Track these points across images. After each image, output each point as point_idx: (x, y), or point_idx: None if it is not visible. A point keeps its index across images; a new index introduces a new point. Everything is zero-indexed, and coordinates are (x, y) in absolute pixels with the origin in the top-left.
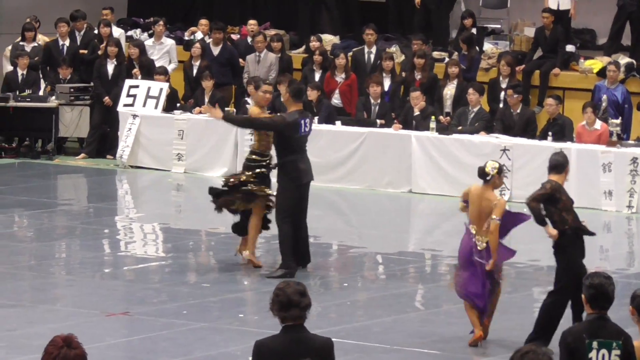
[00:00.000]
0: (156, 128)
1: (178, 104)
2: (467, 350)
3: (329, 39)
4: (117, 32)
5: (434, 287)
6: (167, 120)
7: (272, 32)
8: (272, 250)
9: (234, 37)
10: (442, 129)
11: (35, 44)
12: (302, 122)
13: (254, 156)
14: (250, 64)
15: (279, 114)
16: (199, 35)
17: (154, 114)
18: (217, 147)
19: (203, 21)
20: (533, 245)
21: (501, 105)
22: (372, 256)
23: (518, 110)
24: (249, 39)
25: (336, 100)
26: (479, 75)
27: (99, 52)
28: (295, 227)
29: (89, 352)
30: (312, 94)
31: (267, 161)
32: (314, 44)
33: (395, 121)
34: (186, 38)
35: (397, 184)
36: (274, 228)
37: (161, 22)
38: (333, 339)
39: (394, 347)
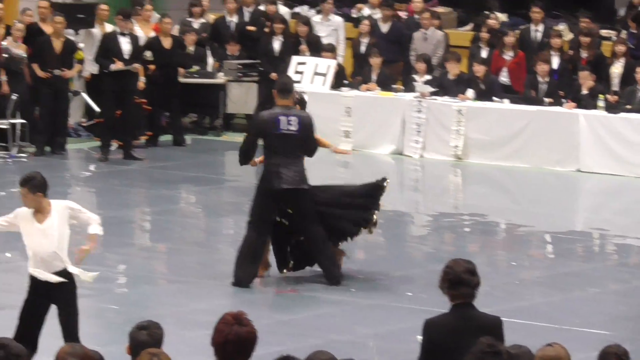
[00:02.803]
0: (323, 105)
1: (345, 81)
2: (636, 329)
3: (498, 17)
4: (283, 9)
5: (602, 266)
6: (334, 97)
7: (440, 9)
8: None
9: (401, 14)
10: (610, 107)
11: (203, 20)
12: (283, 117)
13: None
14: (417, 41)
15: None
16: (366, 11)
17: (321, 91)
18: (384, 124)
19: None
20: None
21: None
22: (540, 235)
23: None
24: (416, 17)
25: (504, 78)
26: None
27: (265, 30)
28: (260, 235)
29: (257, 328)
30: (479, 70)
31: None
32: (491, 21)
33: (567, 101)
34: (354, 15)
35: (564, 162)
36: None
37: (330, 0)
38: (501, 318)
39: (563, 327)
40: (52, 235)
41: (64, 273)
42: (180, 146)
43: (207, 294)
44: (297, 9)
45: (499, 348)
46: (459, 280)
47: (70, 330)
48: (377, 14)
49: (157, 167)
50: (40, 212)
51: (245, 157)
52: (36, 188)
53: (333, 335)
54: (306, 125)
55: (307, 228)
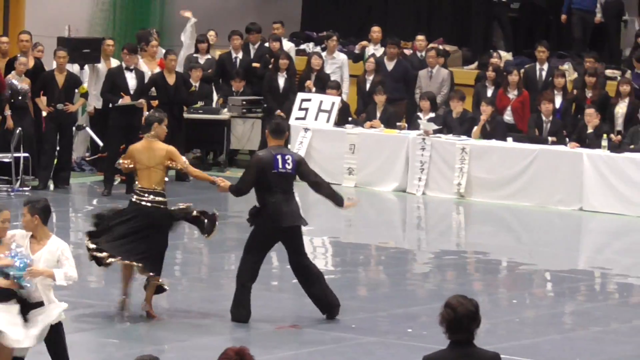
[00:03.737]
0: (328, 142)
1: (350, 118)
2: None
3: (503, 56)
4: (287, 45)
5: (604, 305)
6: (338, 134)
7: (446, 47)
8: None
9: (407, 52)
10: (614, 147)
11: (209, 56)
12: (279, 156)
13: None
14: (422, 79)
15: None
16: (369, 50)
17: (325, 128)
18: (389, 161)
19: (375, 28)
20: None
21: None
22: (542, 273)
23: None
24: (419, 54)
25: (508, 116)
26: None
27: (269, 66)
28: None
29: None
30: (486, 110)
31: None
32: (494, 60)
33: (569, 141)
34: (356, 52)
35: (568, 201)
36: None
37: (334, 37)
38: (501, 356)
39: None
40: (37, 267)
41: (41, 304)
42: (183, 182)
43: (208, 329)
44: (303, 46)
45: None
46: (458, 324)
47: None
48: (380, 51)
49: None
50: (36, 241)
51: (239, 194)
52: (35, 210)
53: None
54: (300, 163)
55: (300, 263)
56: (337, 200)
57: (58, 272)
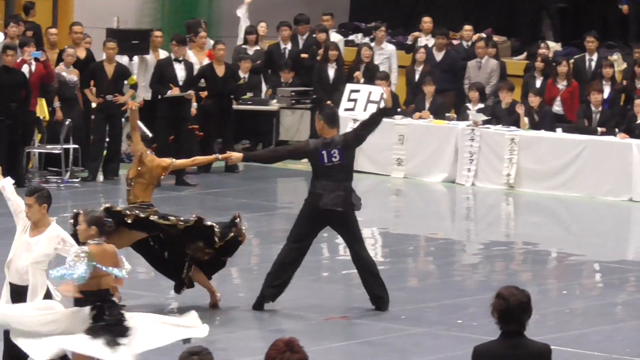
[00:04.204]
0: (376, 133)
1: (399, 109)
2: None
3: (551, 46)
4: (336, 37)
5: None
6: (387, 125)
7: (495, 37)
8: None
9: (455, 42)
10: None
11: (258, 47)
12: (325, 152)
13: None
14: (471, 69)
15: (307, 139)
16: (422, 41)
17: None
18: (437, 152)
19: (426, 19)
20: None
21: None
22: (591, 264)
23: None
24: (464, 44)
25: (557, 107)
26: None
27: (317, 58)
28: (298, 255)
29: (307, 355)
30: (534, 101)
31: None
32: (542, 50)
33: (619, 131)
34: (409, 42)
35: (617, 192)
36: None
37: (382, 28)
38: (551, 347)
39: (613, 356)
40: (33, 252)
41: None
42: (232, 173)
43: (257, 320)
44: (351, 37)
45: None
46: (510, 315)
47: None
48: (431, 42)
49: (209, 194)
50: (36, 227)
51: (261, 160)
52: (44, 200)
53: None
54: (346, 146)
55: (355, 251)
56: (382, 111)
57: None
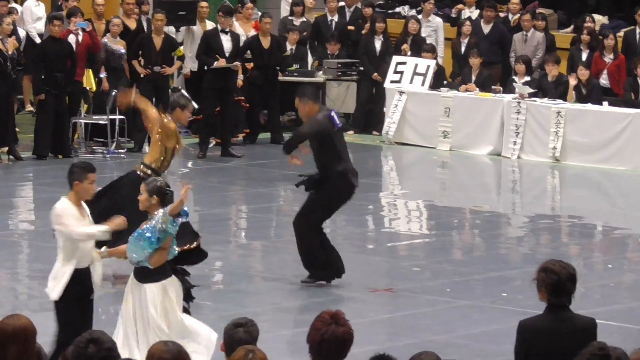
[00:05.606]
0: (422, 105)
1: (445, 81)
2: None
3: (598, 19)
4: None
5: None
6: (433, 97)
7: (541, 10)
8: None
9: (502, 15)
10: None
11: (304, 19)
12: (331, 114)
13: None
14: (517, 42)
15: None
16: (465, 13)
17: (420, 91)
18: (483, 125)
19: None
20: None
21: None
22: (637, 238)
23: None
24: (510, 17)
25: (604, 80)
26: None
27: (362, 32)
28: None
29: (352, 327)
30: (583, 74)
31: None
32: (588, 24)
33: None
34: (453, 15)
35: None
36: None
37: (431, 1)
38: (596, 321)
39: None
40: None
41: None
42: (278, 144)
43: (303, 292)
44: (398, 9)
45: (609, 351)
46: (562, 288)
47: None
48: (475, 14)
49: (255, 165)
50: (81, 207)
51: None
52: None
53: (428, 335)
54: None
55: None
56: None
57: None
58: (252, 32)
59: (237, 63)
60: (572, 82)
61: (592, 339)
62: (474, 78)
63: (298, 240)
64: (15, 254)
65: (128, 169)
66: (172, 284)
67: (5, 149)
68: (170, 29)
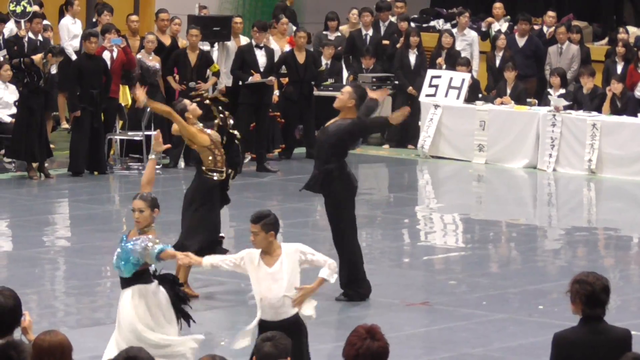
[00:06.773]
0: (458, 118)
1: (480, 95)
2: None
3: (633, 31)
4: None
5: None
6: (469, 110)
7: (577, 23)
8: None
9: (536, 27)
10: None
11: (339, 34)
12: None
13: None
14: (552, 55)
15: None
16: (495, 26)
17: (455, 105)
18: (519, 138)
19: (497, 5)
20: None
21: None
22: None
23: None
24: (545, 29)
25: (639, 92)
26: None
27: (397, 46)
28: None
29: (388, 341)
30: (617, 87)
31: None
32: (621, 35)
33: None
34: (483, 29)
35: None
36: None
37: (466, 14)
38: (632, 332)
39: None
40: (282, 279)
41: (292, 320)
42: (313, 159)
43: (339, 306)
44: (433, 23)
45: None
46: (596, 299)
47: None
48: (504, 27)
49: (291, 180)
50: (268, 254)
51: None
52: (269, 227)
53: (465, 349)
54: None
55: None
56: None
57: (322, 272)
58: (287, 47)
59: (272, 78)
60: (610, 93)
61: (627, 351)
62: (509, 91)
63: (344, 257)
64: (51, 270)
65: (163, 185)
66: (149, 289)
67: (36, 165)
68: (205, 46)
